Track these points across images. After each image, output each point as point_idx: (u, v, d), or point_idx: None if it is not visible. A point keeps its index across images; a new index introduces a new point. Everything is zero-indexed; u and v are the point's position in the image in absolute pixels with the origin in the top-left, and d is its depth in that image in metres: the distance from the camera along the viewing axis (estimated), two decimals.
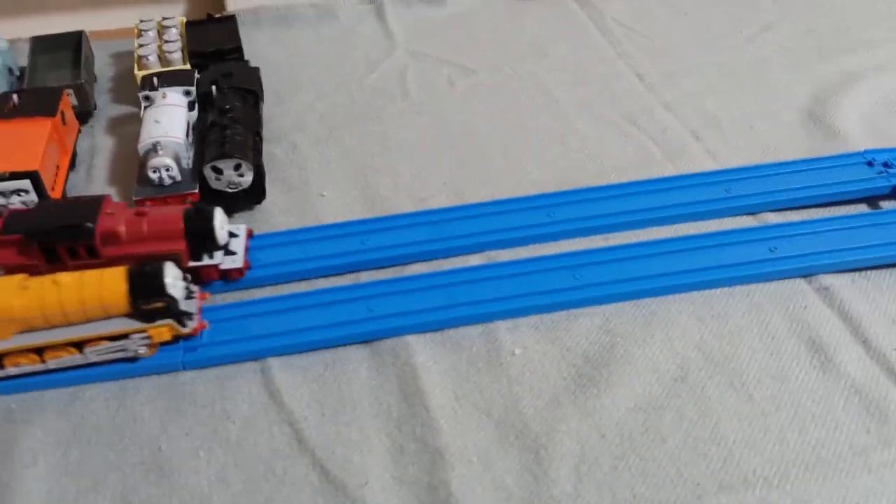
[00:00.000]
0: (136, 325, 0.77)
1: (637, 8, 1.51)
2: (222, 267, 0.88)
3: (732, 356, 0.81)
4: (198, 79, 1.10)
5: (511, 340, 0.83)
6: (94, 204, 0.82)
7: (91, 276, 0.76)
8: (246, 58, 1.26)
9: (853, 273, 0.91)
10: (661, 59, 1.35)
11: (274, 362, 0.82)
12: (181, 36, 1.23)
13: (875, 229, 0.94)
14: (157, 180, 0.98)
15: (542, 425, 0.75)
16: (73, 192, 1.05)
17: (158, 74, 1.09)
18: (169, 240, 0.83)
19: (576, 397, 0.77)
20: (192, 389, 0.80)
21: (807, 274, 0.90)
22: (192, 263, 0.86)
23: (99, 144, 1.14)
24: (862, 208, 1.02)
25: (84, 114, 1.16)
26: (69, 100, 1.10)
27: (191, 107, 1.07)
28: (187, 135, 1.03)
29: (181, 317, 0.78)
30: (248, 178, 0.99)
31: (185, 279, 0.80)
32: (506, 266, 0.90)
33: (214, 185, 0.98)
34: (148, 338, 0.78)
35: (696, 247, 0.91)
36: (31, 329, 0.75)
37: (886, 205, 1.02)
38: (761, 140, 1.15)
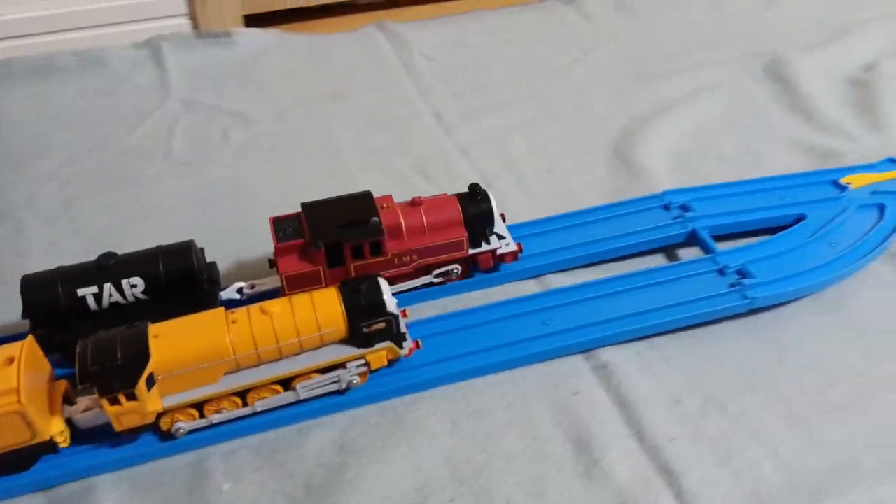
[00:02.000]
0: (354, 351, 0.69)
1: (451, 38, 1.40)
2: (500, 251, 0.82)
3: (484, 468, 0.68)
4: None
5: (223, 471, 0.68)
6: (366, 199, 0.77)
7: (301, 301, 0.68)
8: None
9: (639, 342, 0.80)
10: (468, 95, 1.24)
11: None
12: None
13: (666, 287, 0.83)
14: None
15: None
16: None
17: None
18: (449, 228, 0.79)
19: None
20: None
21: (586, 349, 0.79)
22: (471, 251, 0.81)
23: None
24: (660, 260, 0.92)
25: None
26: None
27: None
28: None
29: (400, 338, 0.71)
30: None
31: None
32: None
33: None
34: (365, 364, 0.70)
35: (457, 327, 0.79)
36: (240, 368, 0.67)
37: (686, 253, 0.92)
38: (562, 184, 1.04)
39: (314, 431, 0.71)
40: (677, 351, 0.80)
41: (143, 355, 0.63)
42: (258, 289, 0.79)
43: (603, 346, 0.79)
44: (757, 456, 0.69)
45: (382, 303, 0.68)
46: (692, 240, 0.90)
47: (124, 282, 0.70)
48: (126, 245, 0.81)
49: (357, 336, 0.69)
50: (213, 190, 1.03)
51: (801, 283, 0.81)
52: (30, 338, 0.66)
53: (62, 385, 0.68)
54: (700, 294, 0.81)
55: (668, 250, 0.92)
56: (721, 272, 0.83)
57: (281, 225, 0.76)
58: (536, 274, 0.88)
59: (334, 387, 0.70)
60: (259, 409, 0.69)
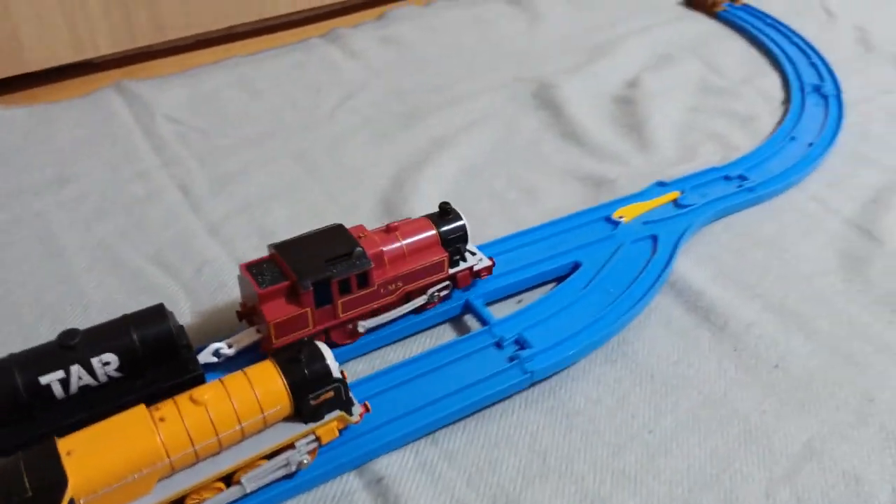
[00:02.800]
0: (302, 427, 0.62)
1: (199, 94, 1.26)
2: (476, 268, 0.80)
3: None
4: None
5: None
6: (340, 231, 0.75)
7: (235, 381, 0.60)
8: None
9: (421, 441, 0.70)
10: (220, 159, 1.10)
11: None
12: None
13: (443, 372, 0.74)
14: None
15: None
16: None
17: None
18: (428, 250, 0.77)
19: None
20: None
21: (358, 465, 0.68)
22: (450, 271, 0.79)
23: None
24: (447, 330, 0.83)
25: None
26: None
27: None
28: None
29: (348, 404, 0.64)
30: None
31: None
32: None
33: None
34: (316, 440, 0.63)
35: None
36: (176, 471, 0.58)
37: (473, 321, 0.83)
38: None
39: None
40: (461, 442, 0.71)
41: (58, 479, 0.52)
42: (237, 347, 0.71)
43: (382, 455, 0.68)
44: None
45: (327, 369, 0.62)
46: (468, 310, 0.82)
47: (94, 360, 0.60)
48: None
49: (304, 410, 0.62)
50: None
51: (581, 343, 0.75)
52: None
53: None
54: (479, 374, 0.73)
55: (456, 321, 0.84)
56: (499, 345, 0.75)
57: (257, 270, 0.71)
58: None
59: (283, 472, 0.63)
60: None
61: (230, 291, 0.87)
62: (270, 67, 1.35)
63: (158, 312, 0.64)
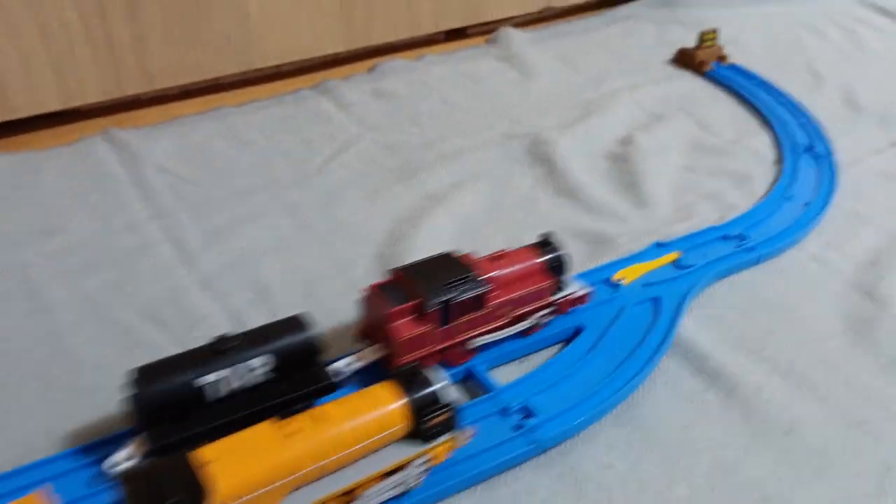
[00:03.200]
0: (418, 448, 0.63)
1: (189, 144, 1.24)
2: (576, 295, 0.84)
3: None
4: None
5: None
6: (449, 258, 0.79)
7: (357, 400, 0.62)
8: None
9: None
10: (211, 212, 1.08)
11: None
12: None
13: None
14: None
15: None
16: None
17: None
18: (535, 276, 0.81)
19: None
20: None
21: None
22: (553, 297, 0.82)
23: None
24: None
25: None
26: None
27: None
28: None
29: (458, 427, 0.66)
30: None
31: None
32: None
33: None
34: (429, 460, 0.64)
35: None
36: (300, 487, 0.59)
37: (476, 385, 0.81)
38: (323, 312, 0.90)
39: None
40: None
41: (200, 488, 0.54)
42: (363, 362, 0.75)
43: None
44: None
45: (444, 391, 0.64)
46: (471, 377, 0.79)
47: (245, 364, 0.66)
48: None
49: (420, 431, 0.63)
50: None
51: (587, 411, 0.73)
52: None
53: None
54: (485, 443, 0.70)
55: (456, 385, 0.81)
56: (504, 412, 0.73)
57: (385, 290, 0.75)
58: None
59: (398, 490, 0.64)
60: None
61: None
62: (260, 118, 1.34)
63: (302, 321, 0.70)
